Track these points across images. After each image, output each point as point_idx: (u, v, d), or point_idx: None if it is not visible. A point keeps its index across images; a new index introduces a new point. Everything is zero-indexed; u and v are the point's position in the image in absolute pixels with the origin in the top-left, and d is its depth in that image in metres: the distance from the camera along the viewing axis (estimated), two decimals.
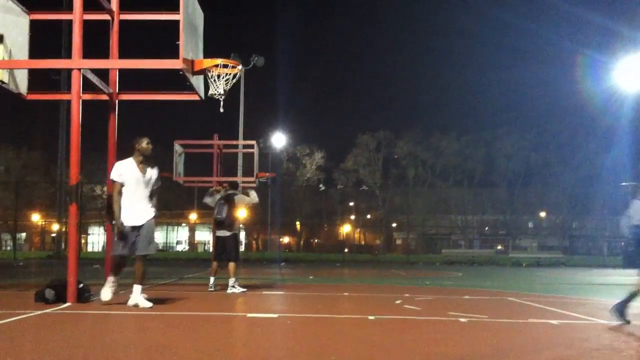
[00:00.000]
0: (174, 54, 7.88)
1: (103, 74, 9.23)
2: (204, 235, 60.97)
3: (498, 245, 59.41)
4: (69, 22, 8.13)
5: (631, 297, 6.66)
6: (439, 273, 20.18)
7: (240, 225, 12.90)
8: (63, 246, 33.59)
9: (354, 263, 30.90)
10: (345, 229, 57.54)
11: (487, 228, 67.26)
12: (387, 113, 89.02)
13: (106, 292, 7.36)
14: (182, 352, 4.58)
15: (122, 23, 9.39)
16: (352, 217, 62.98)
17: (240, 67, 8.93)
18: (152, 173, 7.43)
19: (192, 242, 63.90)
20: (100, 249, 51.48)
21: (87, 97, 9.08)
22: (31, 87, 9.38)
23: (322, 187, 61.41)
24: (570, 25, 75.43)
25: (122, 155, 7.92)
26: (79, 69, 7.91)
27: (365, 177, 65.39)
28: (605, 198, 51.95)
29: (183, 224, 64.07)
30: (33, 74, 9.46)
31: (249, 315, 6.95)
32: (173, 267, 21.38)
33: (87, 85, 8.64)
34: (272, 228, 54.92)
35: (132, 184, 7.26)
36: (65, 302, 7.34)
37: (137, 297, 7.21)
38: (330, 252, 49.56)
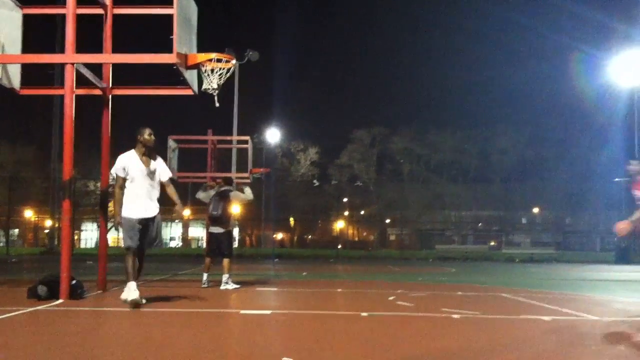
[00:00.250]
0: (167, 48, 7.85)
1: (96, 68, 9.19)
2: (198, 232, 60.90)
3: (492, 241, 59.60)
4: (63, 17, 8.08)
5: None
6: (433, 269, 20.22)
7: (236, 222, 12.89)
8: (56, 242, 33.49)
9: (348, 259, 30.93)
10: (340, 224, 57.56)
11: (480, 224, 67.43)
12: (382, 108, 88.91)
13: (134, 294, 6.80)
14: (176, 348, 4.57)
15: (116, 17, 9.35)
16: (347, 212, 63.04)
17: (234, 61, 8.90)
18: (157, 164, 7.23)
19: (185, 238, 63.82)
20: (93, 245, 51.33)
21: (81, 92, 9.02)
22: (24, 82, 9.33)
23: (316, 182, 61.46)
24: (565, 21, 75.41)
25: (115, 149, 7.88)
26: (73, 64, 7.88)
27: (359, 172, 65.42)
28: (599, 194, 52.09)
29: (176, 220, 63.96)
30: (26, 68, 9.40)
31: (243, 311, 6.95)
32: (166, 263, 21.34)
33: (81, 80, 8.60)
34: (266, 224, 54.86)
35: (138, 177, 7.05)
36: (58, 298, 7.31)
37: (132, 292, 6.93)
38: (325, 247, 49.52)
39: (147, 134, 7.15)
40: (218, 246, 9.90)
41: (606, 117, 51.92)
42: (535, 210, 64.55)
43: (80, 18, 8.14)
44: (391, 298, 8.57)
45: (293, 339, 5.25)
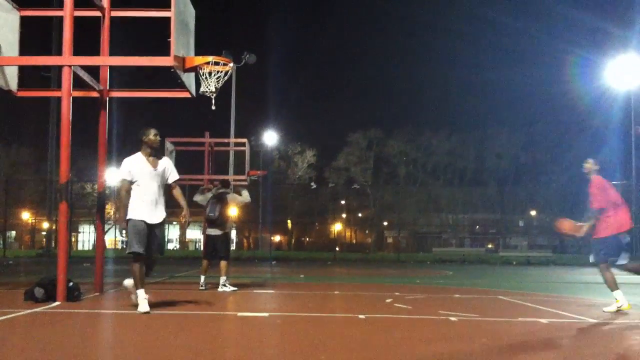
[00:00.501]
0: (165, 51, 7.85)
1: (94, 71, 9.18)
2: (195, 234, 60.82)
3: (488, 244, 59.60)
4: (60, 19, 8.08)
5: None
6: (430, 272, 20.23)
7: (233, 224, 12.88)
8: (53, 244, 33.40)
9: (345, 261, 30.91)
10: (337, 227, 57.51)
11: (477, 227, 67.47)
12: (379, 112, 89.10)
13: (143, 305, 6.61)
14: (173, 351, 4.56)
15: (113, 20, 9.35)
16: (344, 215, 63.00)
17: (231, 64, 8.90)
18: (164, 165, 6.95)
19: (182, 241, 63.70)
20: (90, 247, 51.22)
21: (78, 94, 9.02)
22: (21, 84, 9.32)
23: (313, 185, 61.36)
24: (560, 24, 75.74)
25: (112, 152, 7.87)
26: (70, 66, 7.87)
27: (356, 175, 65.41)
28: None
29: (174, 223, 63.87)
30: (23, 70, 9.39)
31: (240, 314, 6.94)
32: (164, 265, 21.28)
33: (78, 82, 8.59)
34: (263, 226, 54.80)
35: (145, 180, 6.77)
36: (54, 300, 7.28)
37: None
38: (322, 250, 49.49)
39: (152, 135, 6.89)
40: (215, 248, 9.88)
41: (602, 121, 52.09)
42: (532, 213, 64.60)
43: (77, 20, 8.14)
44: (388, 300, 8.57)
45: (290, 341, 5.24)
